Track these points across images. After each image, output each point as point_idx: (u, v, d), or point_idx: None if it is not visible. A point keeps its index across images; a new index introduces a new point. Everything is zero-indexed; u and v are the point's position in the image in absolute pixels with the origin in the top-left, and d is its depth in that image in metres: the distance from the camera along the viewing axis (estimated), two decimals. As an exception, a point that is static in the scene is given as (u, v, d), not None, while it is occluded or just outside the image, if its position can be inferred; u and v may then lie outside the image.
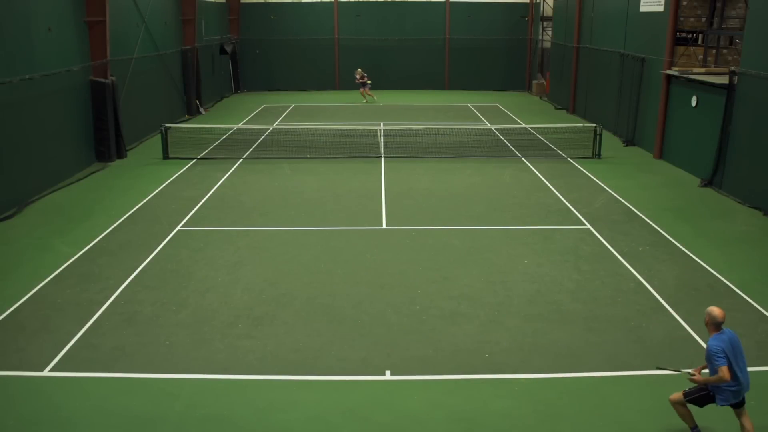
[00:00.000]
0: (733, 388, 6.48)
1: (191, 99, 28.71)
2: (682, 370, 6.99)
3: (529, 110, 31.01)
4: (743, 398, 6.67)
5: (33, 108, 16.03)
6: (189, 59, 28.29)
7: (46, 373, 8.24)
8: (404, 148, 21.29)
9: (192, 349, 8.81)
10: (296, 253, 12.30)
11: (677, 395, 6.86)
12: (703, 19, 19.95)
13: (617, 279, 11.09)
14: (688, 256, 12.15)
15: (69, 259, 11.92)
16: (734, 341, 6.51)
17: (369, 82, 33.55)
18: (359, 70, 33.95)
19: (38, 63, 16.22)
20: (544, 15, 36.36)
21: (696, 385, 6.74)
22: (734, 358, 6.43)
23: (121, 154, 20.21)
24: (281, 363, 8.50)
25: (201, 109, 29.58)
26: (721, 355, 6.36)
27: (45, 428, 7.17)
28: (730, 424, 7.05)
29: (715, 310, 6.54)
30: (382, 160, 19.97)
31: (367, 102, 33.34)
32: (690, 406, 6.84)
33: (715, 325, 6.52)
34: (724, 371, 6.34)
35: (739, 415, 6.77)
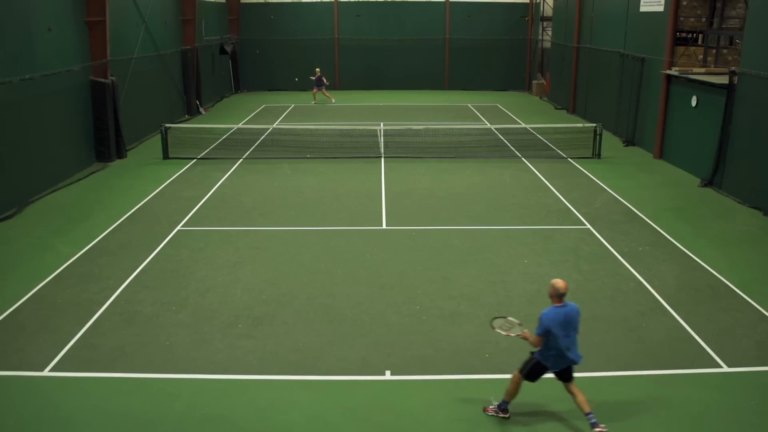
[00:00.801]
0: (553, 353, 6.89)
1: (191, 99, 28.71)
2: (511, 333, 7.08)
3: (529, 110, 31.01)
4: (570, 371, 7.04)
5: (33, 108, 16.03)
6: (189, 59, 28.29)
7: (46, 373, 8.24)
8: (404, 148, 21.30)
9: (192, 349, 8.81)
10: (296, 253, 12.30)
11: (516, 373, 7.21)
12: (703, 19, 19.95)
13: (617, 279, 11.09)
14: (688, 256, 12.15)
15: (69, 259, 11.92)
16: (569, 316, 6.80)
17: (327, 82, 33.17)
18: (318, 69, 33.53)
19: (38, 63, 16.22)
20: (544, 15, 36.36)
21: (529, 359, 7.11)
22: (564, 329, 6.78)
23: (121, 154, 20.21)
24: (281, 363, 8.49)
25: (201, 109, 29.58)
26: (541, 327, 6.78)
27: (45, 428, 7.17)
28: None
29: (559, 282, 6.84)
30: (382, 160, 19.97)
31: (316, 103, 33.00)
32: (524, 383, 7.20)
33: (558, 297, 6.82)
34: (534, 339, 6.92)
35: (568, 388, 7.14)
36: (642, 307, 10.02)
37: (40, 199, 15.75)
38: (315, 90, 33.13)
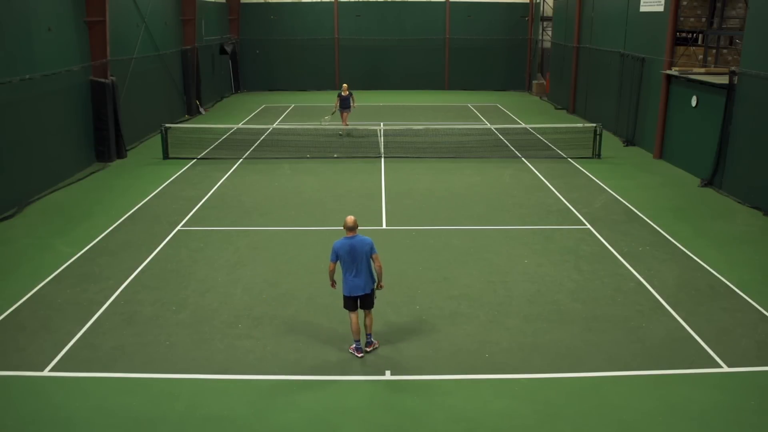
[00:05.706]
0: (348, 283, 8.37)
1: (191, 99, 28.70)
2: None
3: (529, 110, 31.01)
4: (365, 301, 8.47)
5: (33, 108, 16.02)
6: (189, 59, 28.28)
7: (46, 373, 8.24)
8: (404, 148, 21.29)
9: (192, 349, 8.81)
10: (296, 253, 12.29)
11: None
12: (703, 19, 19.95)
13: (617, 279, 11.09)
14: (688, 256, 12.15)
15: (69, 259, 11.92)
16: (354, 247, 8.21)
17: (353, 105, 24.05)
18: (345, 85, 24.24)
19: (38, 63, 16.21)
20: (544, 15, 36.37)
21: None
22: (351, 260, 8.24)
23: (121, 154, 20.21)
24: (281, 363, 8.49)
25: (201, 109, 29.57)
26: (332, 253, 8.32)
27: (45, 428, 7.17)
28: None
29: (348, 218, 8.27)
30: (382, 160, 19.96)
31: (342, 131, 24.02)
32: (355, 319, 8.54)
33: (347, 229, 8.24)
34: (330, 265, 8.47)
35: (364, 315, 8.62)
36: (642, 307, 10.02)
37: (40, 199, 15.75)
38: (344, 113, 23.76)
